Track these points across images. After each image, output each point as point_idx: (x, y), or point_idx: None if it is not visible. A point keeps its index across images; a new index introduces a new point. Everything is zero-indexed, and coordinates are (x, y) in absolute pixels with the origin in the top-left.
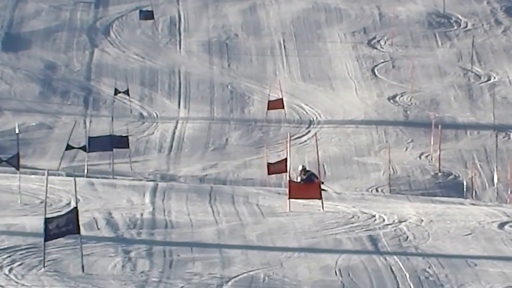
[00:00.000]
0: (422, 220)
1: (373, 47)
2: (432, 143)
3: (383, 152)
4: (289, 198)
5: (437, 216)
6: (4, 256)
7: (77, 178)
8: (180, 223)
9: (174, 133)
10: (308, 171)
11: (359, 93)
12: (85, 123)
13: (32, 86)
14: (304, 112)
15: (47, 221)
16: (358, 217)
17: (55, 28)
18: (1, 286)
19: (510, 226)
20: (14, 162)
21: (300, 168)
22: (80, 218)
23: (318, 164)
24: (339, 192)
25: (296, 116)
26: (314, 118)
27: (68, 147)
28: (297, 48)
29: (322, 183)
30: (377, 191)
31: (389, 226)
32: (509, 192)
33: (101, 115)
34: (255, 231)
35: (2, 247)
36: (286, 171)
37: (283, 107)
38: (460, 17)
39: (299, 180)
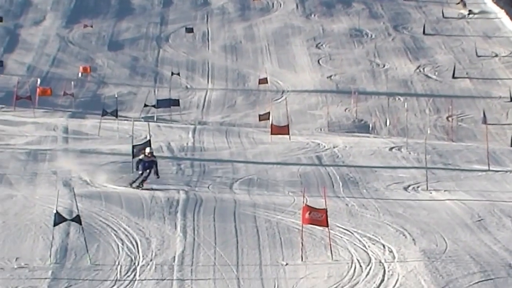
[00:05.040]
0: (346, 146)
1: (318, 48)
2: (352, 102)
3: (324, 108)
4: (271, 134)
5: (355, 144)
6: (110, 166)
7: (150, 123)
8: (209, 148)
9: (205, 97)
10: None
11: (311, 74)
12: (154, 91)
13: (125, 71)
14: (280, 85)
15: (133, 147)
16: (310, 145)
17: (138, 37)
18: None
19: (395, 149)
20: (114, 113)
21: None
22: (152, 145)
23: (287, 115)
24: (299, 130)
25: (275, 87)
26: (285, 89)
27: (146, 105)
28: (275, 49)
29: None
30: (321, 130)
31: (328, 150)
32: (394, 130)
33: (164, 87)
34: (251, 153)
35: (109, 162)
36: (269, 119)
37: (267, 83)
38: (368, 31)
39: None
